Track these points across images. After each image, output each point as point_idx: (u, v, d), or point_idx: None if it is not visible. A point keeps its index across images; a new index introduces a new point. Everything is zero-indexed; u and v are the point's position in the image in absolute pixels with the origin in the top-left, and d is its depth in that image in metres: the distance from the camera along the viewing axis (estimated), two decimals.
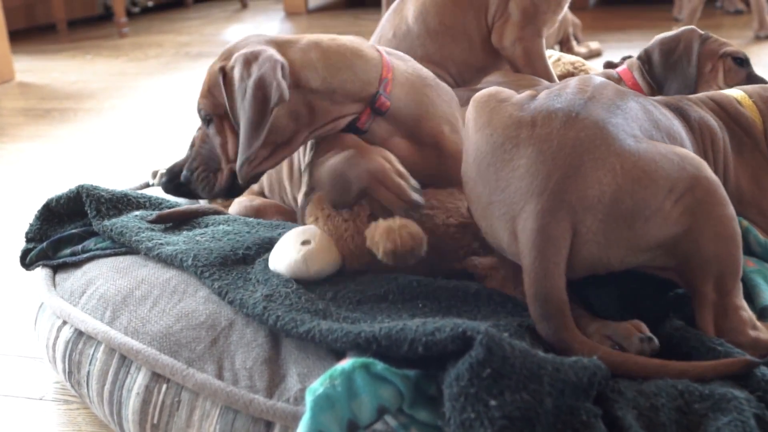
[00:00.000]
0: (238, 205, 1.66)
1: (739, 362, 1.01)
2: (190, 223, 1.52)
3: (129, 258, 1.44)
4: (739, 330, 1.09)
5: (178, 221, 1.52)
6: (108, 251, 1.47)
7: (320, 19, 6.10)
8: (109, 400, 1.26)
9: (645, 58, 1.82)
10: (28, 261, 1.57)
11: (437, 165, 1.41)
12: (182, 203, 1.65)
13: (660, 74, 1.78)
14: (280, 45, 1.34)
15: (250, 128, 1.26)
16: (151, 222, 1.51)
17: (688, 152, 1.12)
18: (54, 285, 1.48)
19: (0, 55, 4.23)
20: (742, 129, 1.43)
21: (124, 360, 1.26)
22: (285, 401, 1.09)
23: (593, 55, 3.98)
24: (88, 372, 1.30)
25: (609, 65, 2.03)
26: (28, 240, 1.60)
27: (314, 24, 5.84)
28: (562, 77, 2.29)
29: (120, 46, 5.23)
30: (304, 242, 1.26)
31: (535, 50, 2.00)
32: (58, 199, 1.61)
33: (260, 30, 5.65)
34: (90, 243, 1.52)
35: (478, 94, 1.23)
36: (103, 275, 1.41)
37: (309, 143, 1.45)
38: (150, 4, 6.69)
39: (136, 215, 1.53)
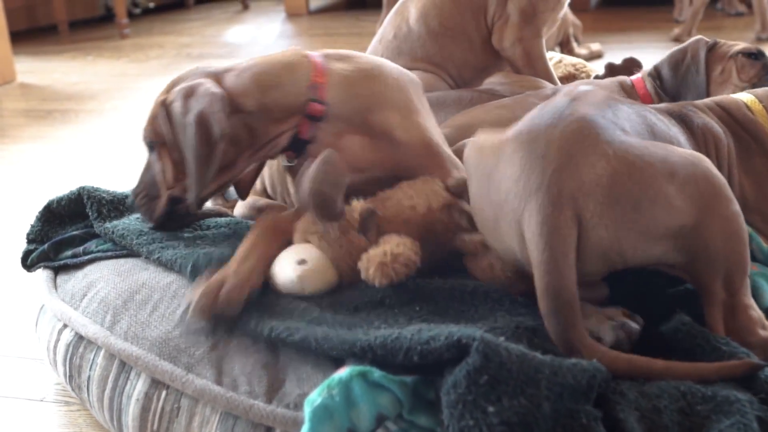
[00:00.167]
0: (242, 206, 1.66)
1: (744, 365, 1.01)
2: (192, 225, 1.51)
3: (130, 261, 1.43)
4: (748, 329, 1.09)
5: (180, 224, 1.52)
6: (109, 253, 1.47)
7: (321, 20, 6.11)
8: (109, 406, 1.26)
9: (655, 74, 1.81)
10: (29, 262, 1.57)
11: (392, 155, 1.39)
12: None
13: (672, 87, 1.78)
14: (218, 75, 1.38)
15: (199, 163, 1.30)
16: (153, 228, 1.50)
17: (688, 150, 1.13)
18: (55, 287, 1.48)
19: (1, 56, 4.23)
20: (749, 134, 1.43)
21: (124, 366, 1.26)
22: (284, 406, 1.09)
23: (594, 56, 3.98)
24: (89, 377, 1.30)
25: (611, 67, 2.02)
26: (29, 241, 1.60)
27: (315, 25, 5.84)
28: (563, 79, 2.29)
29: (121, 47, 5.23)
30: (301, 262, 1.25)
31: (535, 51, 2.00)
32: (59, 200, 1.61)
33: (261, 31, 5.66)
34: (91, 245, 1.51)
35: (469, 145, 1.25)
36: (104, 278, 1.40)
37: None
38: (151, 5, 6.69)
39: (138, 217, 1.52)
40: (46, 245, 1.55)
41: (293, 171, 1.44)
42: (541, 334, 1.05)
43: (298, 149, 1.40)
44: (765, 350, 1.07)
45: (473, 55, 2.03)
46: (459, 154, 1.52)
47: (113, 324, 1.30)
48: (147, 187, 1.44)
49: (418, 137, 1.40)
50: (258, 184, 1.66)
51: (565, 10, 2.14)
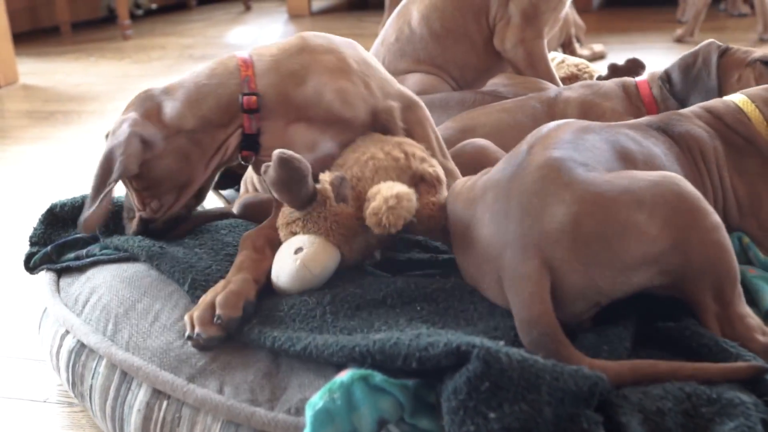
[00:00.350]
0: (237, 205, 1.65)
1: (749, 368, 1.00)
2: (194, 230, 1.51)
3: (133, 266, 1.43)
4: (748, 337, 1.08)
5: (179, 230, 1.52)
6: (112, 256, 1.47)
7: (323, 21, 6.11)
8: (112, 416, 1.26)
9: (666, 78, 1.77)
10: (32, 264, 1.57)
11: (340, 129, 1.42)
12: None
13: (682, 91, 1.74)
14: (158, 102, 1.42)
15: (91, 194, 1.36)
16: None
17: (655, 172, 1.12)
18: (58, 290, 1.48)
19: (4, 58, 4.23)
20: (741, 136, 1.41)
21: (126, 376, 1.26)
22: (286, 412, 1.08)
23: (596, 57, 3.97)
24: (91, 386, 1.30)
25: (614, 67, 2.02)
26: (32, 244, 1.60)
27: (317, 26, 5.84)
28: (566, 79, 2.29)
29: (123, 48, 5.23)
30: (297, 250, 1.26)
31: (537, 52, 2.00)
32: (63, 205, 1.62)
33: (263, 33, 5.66)
34: (94, 248, 1.51)
35: (449, 190, 1.30)
36: (107, 283, 1.40)
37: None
38: (153, 6, 6.70)
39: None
40: (49, 247, 1.55)
41: (257, 167, 1.47)
42: None
43: (251, 146, 1.43)
44: (766, 356, 1.07)
45: (475, 56, 2.03)
46: (459, 154, 1.52)
47: (115, 333, 1.30)
48: (126, 210, 1.50)
49: (357, 100, 1.42)
50: (249, 186, 1.67)
51: (567, 10, 2.13)
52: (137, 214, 1.46)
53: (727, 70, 1.73)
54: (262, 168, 1.27)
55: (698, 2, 4.37)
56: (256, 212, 1.58)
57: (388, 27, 2.09)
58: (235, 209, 1.64)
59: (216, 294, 1.22)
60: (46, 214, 1.62)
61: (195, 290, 1.30)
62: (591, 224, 1.05)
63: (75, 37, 5.72)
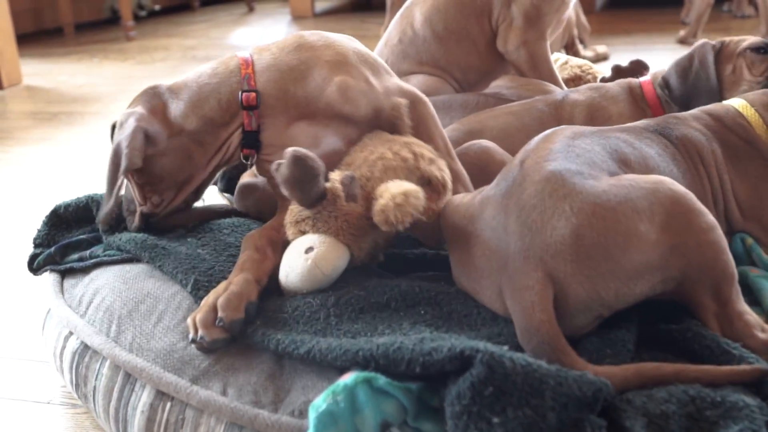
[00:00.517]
0: (237, 189, 1.65)
1: (754, 370, 1.00)
2: (197, 228, 1.51)
3: (136, 267, 1.43)
4: (747, 334, 1.08)
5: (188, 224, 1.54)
6: (115, 257, 1.47)
7: (326, 22, 6.11)
8: (115, 417, 1.26)
9: (665, 84, 1.74)
10: (35, 265, 1.57)
11: (342, 125, 1.42)
12: None
13: (682, 96, 1.71)
14: (163, 99, 1.44)
15: (106, 189, 1.40)
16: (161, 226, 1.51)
17: (648, 175, 1.12)
18: (62, 291, 1.48)
19: (7, 59, 4.24)
20: (742, 139, 1.41)
21: (129, 377, 1.26)
22: (289, 414, 1.08)
23: (600, 58, 3.97)
24: (94, 387, 1.30)
25: (617, 69, 2.01)
26: (36, 245, 1.60)
27: (320, 27, 5.84)
28: (569, 81, 2.29)
29: (127, 49, 5.24)
30: (308, 250, 1.26)
31: (540, 54, 1.99)
32: (66, 206, 1.62)
33: (266, 34, 5.67)
34: (98, 249, 1.52)
35: (445, 205, 1.30)
36: (110, 284, 1.40)
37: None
38: (157, 7, 6.70)
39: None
40: (52, 248, 1.55)
41: (260, 167, 1.48)
42: None
43: (252, 144, 1.44)
44: (767, 352, 1.07)
45: (478, 58, 2.03)
46: (464, 156, 1.52)
47: (118, 334, 1.30)
48: (128, 203, 1.52)
49: (358, 94, 1.41)
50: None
51: (570, 12, 2.13)
52: (138, 209, 1.48)
53: (721, 65, 1.72)
54: (273, 165, 1.26)
55: (701, 4, 4.37)
56: (252, 195, 1.58)
57: (392, 29, 2.09)
58: (235, 199, 1.64)
59: (218, 296, 1.22)
60: (50, 215, 1.62)
61: (198, 291, 1.30)
62: (592, 236, 1.05)
63: (78, 38, 5.73)
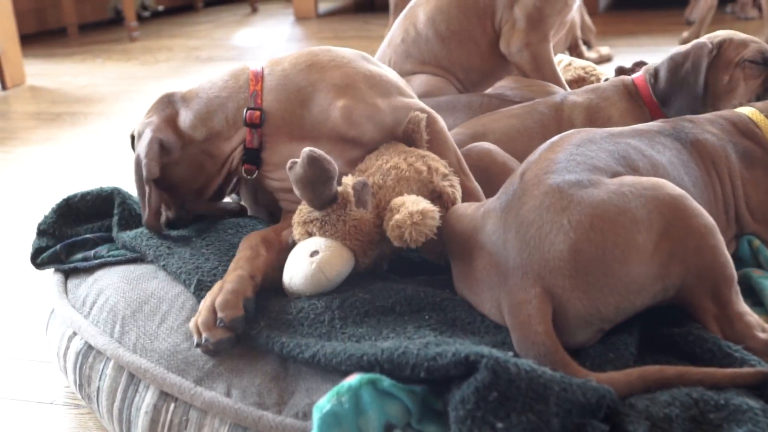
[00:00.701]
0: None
1: (757, 373, 1.00)
2: (203, 227, 1.51)
3: (140, 268, 1.44)
4: (748, 336, 1.08)
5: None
6: (119, 258, 1.48)
7: (330, 23, 6.11)
8: (119, 418, 1.26)
9: (654, 74, 1.72)
10: (39, 261, 1.56)
11: (347, 148, 1.43)
12: None
13: (664, 91, 1.69)
14: (176, 108, 1.47)
15: (139, 198, 1.45)
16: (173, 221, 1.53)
17: (645, 178, 1.12)
18: (66, 291, 1.48)
19: (11, 59, 4.24)
20: (753, 142, 1.41)
21: (133, 378, 1.26)
22: (293, 416, 1.08)
23: (603, 60, 3.97)
24: (98, 388, 1.30)
25: (621, 70, 2.01)
26: (40, 232, 1.59)
27: (324, 28, 5.85)
28: (573, 82, 2.28)
29: (130, 50, 5.24)
30: (313, 253, 1.26)
31: (543, 55, 1.99)
32: (84, 195, 1.62)
33: (270, 35, 5.67)
34: (102, 250, 1.52)
35: (447, 215, 1.30)
36: (114, 285, 1.41)
37: None
38: (160, 8, 6.71)
39: None
40: (58, 246, 1.55)
41: (262, 183, 1.50)
42: None
43: (253, 160, 1.46)
44: (767, 353, 1.07)
45: (480, 59, 2.03)
46: (466, 157, 1.52)
47: (122, 335, 1.30)
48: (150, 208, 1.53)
49: (363, 119, 1.41)
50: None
51: (573, 13, 2.13)
52: (164, 214, 1.51)
53: (717, 72, 1.69)
54: (289, 163, 1.26)
55: (704, 6, 4.36)
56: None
57: (395, 29, 2.09)
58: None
59: (214, 297, 1.22)
60: (61, 204, 1.62)
61: (201, 291, 1.30)
62: (590, 250, 1.05)
63: (82, 38, 5.74)
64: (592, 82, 2.26)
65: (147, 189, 1.41)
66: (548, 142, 1.25)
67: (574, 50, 3.86)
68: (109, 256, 1.49)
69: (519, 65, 2.01)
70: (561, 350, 1.02)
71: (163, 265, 1.39)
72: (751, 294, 1.25)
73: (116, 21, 6.23)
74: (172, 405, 1.20)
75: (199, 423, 1.16)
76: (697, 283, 1.08)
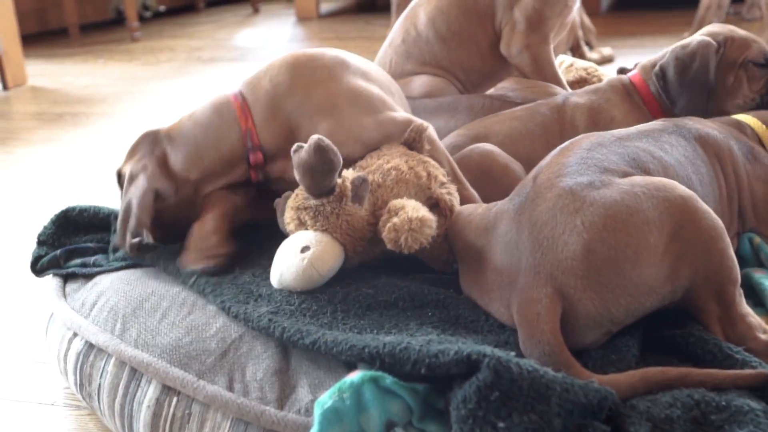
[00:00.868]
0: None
1: (759, 375, 1.00)
2: None
3: (139, 271, 1.45)
4: (749, 337, 1.09)
5: None
6: (119, 266, 1.48)
7: (332, 24, 6.11)
8: (120, 413, 1.26)
9: (660, 75, 1.70)
10: (38, 267, 1.57)
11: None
12: None
13: (674, 91, 1.67)
14: (164, 150, 1.45)
15: (118, 235, 1.42)
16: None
17: (654, 178, 1.12)
18: (65, 295, 1.48)
19: (12, 59, 4.24)
20: (754, 141, 1.42)
21: (135, 373, 1.26)
22: (296, 412, 1.09)
23: (606, 60, 3.96)
24: (99, 385, 1.30)
25: (622, 71, 2.01)
26: (40, 242, 1.60)
27: (325, 29, 5.85)
28: (575, 83, 2.28)
29: (132, 50, 5.24)
30: (304, 249, 1.26)
31: (543, 57, 1.99)
32: (82, 210, 1.62)
33: (272, 35, 5.67)
34: (102, 259, 1.53)
35: (454, 215, 1.31)
36: (114, 287, 1.41)
37: None
38: (162, 8, 6.71)
39: None
40: (58, 251, 1.56)
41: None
42: None
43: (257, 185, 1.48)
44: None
45: (481, 59, 2.03)
46: (466, 160, 1.52)
47: (123, 332, 1.31)
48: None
49: (348, 140, 1.41)
50: None
51: (574, 14, 2.12)
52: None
53: (722, 72, 1.68)
54: (294, 146, 1.27)
55: (703, 4, 4.36)
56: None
57: (396, 29, 2.09)
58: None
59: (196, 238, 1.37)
60: (60, 216, 1.62)
61: (200, 285, 1.33)
62: (603, 250, 1.05)
63: (83, 38, 5.74)
64: (594, 83, 2.26)
65: (128, 235, 1.38)
66: (559, 147, 1.25)
67: (576, 51, 3.85)
68: (108, 266, 1.49)
69: (519, 67, 2.01)
70: (566, 351, 1.02)
71: (164, 267, 1.41)
72: (752, 294, 1.25)
73: (118, 21, 6.23)
74: (175, 399, 1.20)
75: (202, 417, 1.16)
76: (704, 285, 1.08)
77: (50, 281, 1.54)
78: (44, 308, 1.56)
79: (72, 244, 1.59)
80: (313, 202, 1.29)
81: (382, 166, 1.34)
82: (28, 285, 1.88)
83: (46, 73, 4.60)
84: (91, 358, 1.34)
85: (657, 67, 1.72)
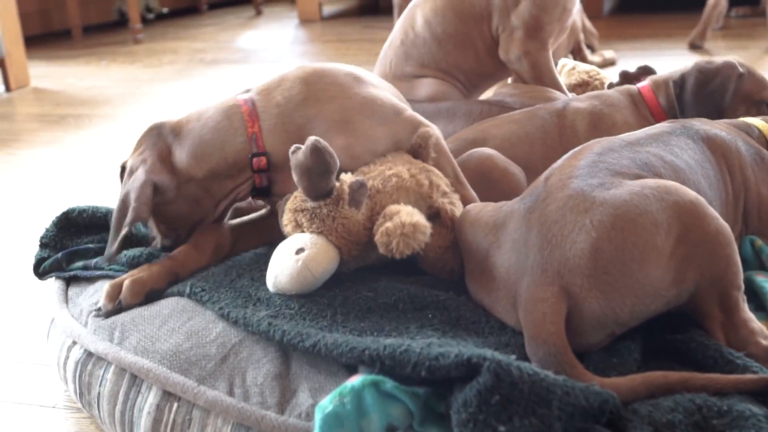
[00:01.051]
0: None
1: (761, 380, 1.00)
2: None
3: None
4: (751, 342, 1.09)
5: None
6: (119, 270, 1.48)
7: (334, 26, 6.11)
8: (121, 420, 1.26)
9: (680, 82, 1.70)
10: (41, 270, 1.57)
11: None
12: None
13: (689, 101, 1.68)
14: (169, 145, 1.44)
15: (111, 234, 1.40)
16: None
17: (664, 181, 1.12)
18: (66, 300, 1.49)
19: (15, 61, 4.25)
20: (761, 143, 1.42)
21: (135, 380, 1.26)
22: (296, 417, 1.09)
23: (607, 64, 3.96)
24: (99, 393, 1.30)
25: (625, 75, 2.00)
26: (42, 245, 1.60)
27: (328, 31, 5.85)
28: (577, 86, 2.28)
29: (135, 52, 5.25)
30: (299, 251, 1.26)
31: (542, 63, 1.98)
32: (81, 211, 1.63)
33: (274, 37, 5.67)
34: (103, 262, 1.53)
35: (462, 213, 1.31)
36: None
37: None
38: (164, 10, 6.72)
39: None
40: (60, 254, 1.56)
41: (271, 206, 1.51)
42: None
43: (262, 194, 1.46)
44: None
45: (477, 62, 2.02)
46: (465, 164, 1.52)
47: (122, 339, 1.30)
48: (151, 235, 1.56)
49: (364, 153, 1.41)
50: None
51: (574, 18, 2.12)
52: (158, 240, 1.51)
53: (737, 99, 1.69)
54: (292, 148, 1.27)
55: (708, 7, 4.36)
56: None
57: (396, 30, 2.09)
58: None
59: (134, 275, 1.37)
60: (61, 217, 1.62)
61: (197, 295, 1.32)
62: (610, 249, 1.05)
63: (86, 40, 5.74)
64: (595, 86, 2.26)
65: (125, 230, 1.37)
66: (571, 151, 1.26)
67: (577, 54, 3.85)
68: (109, 270, 1.49)
69: (518, 73, 2.01)
70: (569, 351, 1.02)
71: None
72: (753, 298, 1.25)
73: (120, 23, 6.24)
74: (175, 404, 1.20)
75: (203, 422, 1.16)
76: (709, 290, 1.09)
77: (53, 285, 1.54)
78: (45, 310, 1.56)
79: (73, 245, 1.59)
80: (310, 204, 1.29)
81: (383, 172, 1.34)
82: (31, 287, 1.88)
83: (48, 74, 4.61)
84: (89, 366, 1.33)
85: (678, 75, 1.72)
